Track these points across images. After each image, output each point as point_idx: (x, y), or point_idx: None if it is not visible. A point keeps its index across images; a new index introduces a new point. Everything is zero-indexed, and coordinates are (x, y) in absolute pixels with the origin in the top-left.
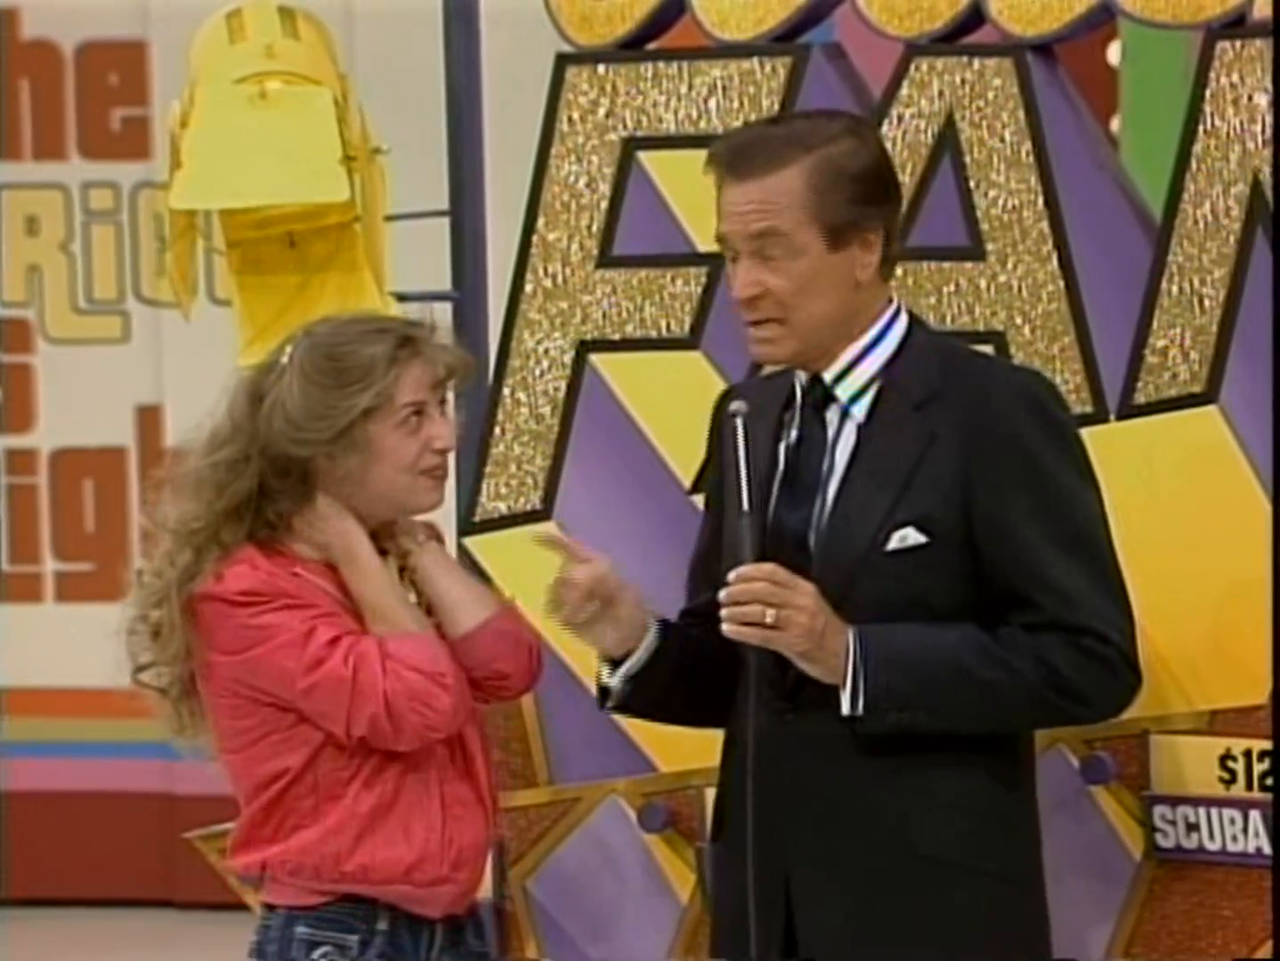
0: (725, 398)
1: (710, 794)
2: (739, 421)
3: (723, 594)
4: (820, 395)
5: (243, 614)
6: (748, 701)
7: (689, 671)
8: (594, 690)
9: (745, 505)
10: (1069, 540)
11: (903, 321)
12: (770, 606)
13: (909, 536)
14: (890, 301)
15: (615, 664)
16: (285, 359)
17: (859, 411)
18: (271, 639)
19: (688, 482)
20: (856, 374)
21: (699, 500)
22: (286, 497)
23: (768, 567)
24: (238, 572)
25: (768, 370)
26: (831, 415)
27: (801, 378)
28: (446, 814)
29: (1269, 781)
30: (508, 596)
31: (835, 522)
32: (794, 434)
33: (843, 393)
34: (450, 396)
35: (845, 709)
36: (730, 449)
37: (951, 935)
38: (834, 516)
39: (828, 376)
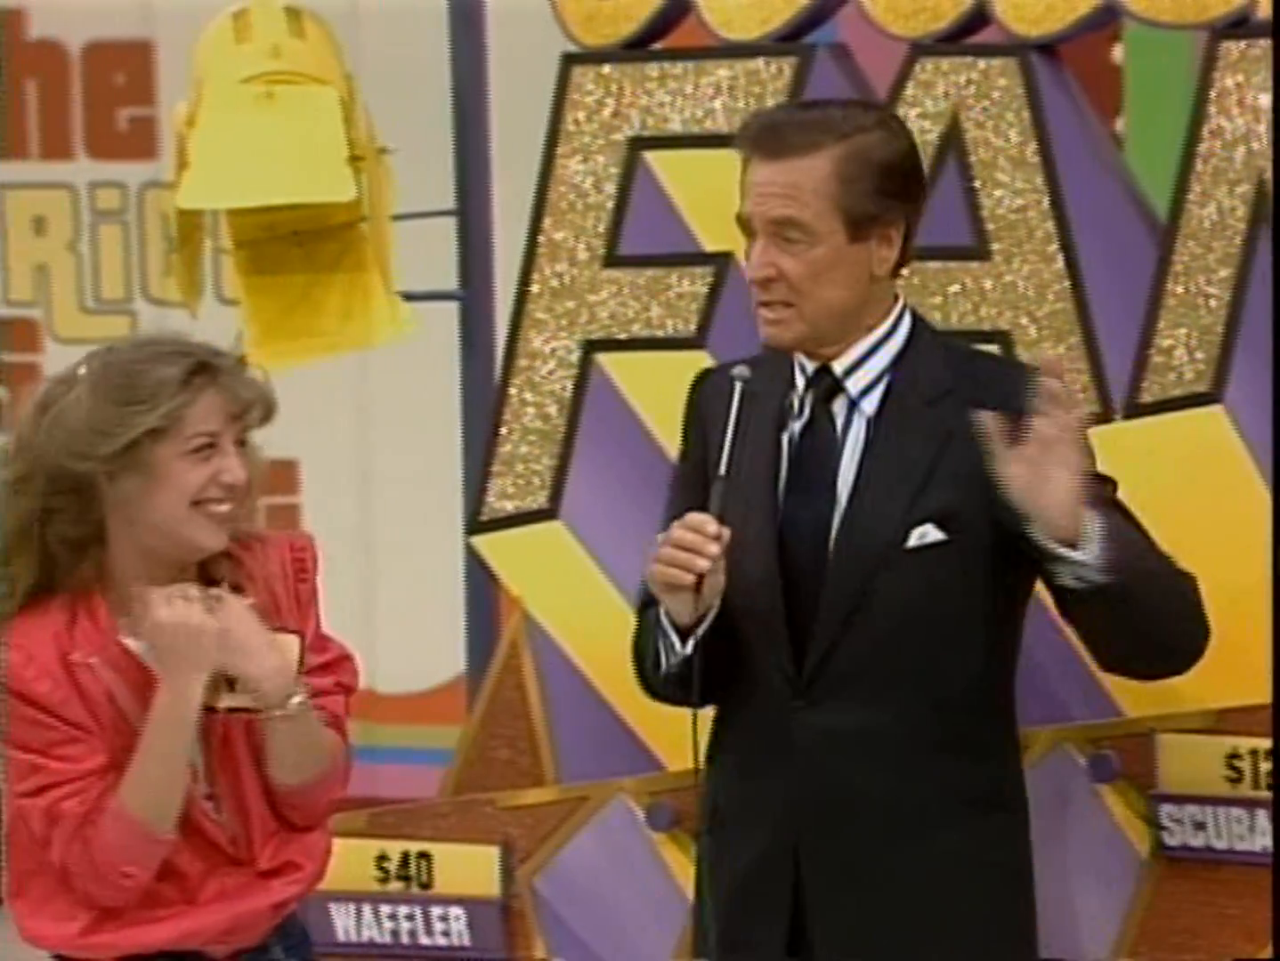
0: (702, 378)
1: None
2: (739, 386)
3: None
4: (828, 386)
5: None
6: (752, 694)
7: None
8: (599, 691)
9: (723, 470)
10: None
11: (908, 319)
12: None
13: (928, 533)
14: (897, 299)
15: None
16: (80, 371)
17: (869, 406)
18: (7, 742)
19: None
20: (867, 368)
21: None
22: (68, 520)
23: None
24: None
25: (759, 356)
26: (839, 407)
27: (807, 367)
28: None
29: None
30: (514, 594)
31: (855, 519)
32: (798, 424)
33: (853, 386)
34: (249, 437)
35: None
36: (726, 411)
37: (962, 931)
38: (852, 512)
39: (838, 368)
